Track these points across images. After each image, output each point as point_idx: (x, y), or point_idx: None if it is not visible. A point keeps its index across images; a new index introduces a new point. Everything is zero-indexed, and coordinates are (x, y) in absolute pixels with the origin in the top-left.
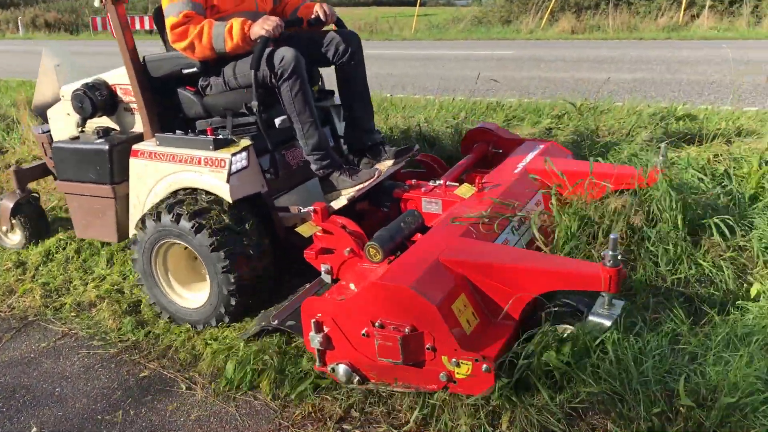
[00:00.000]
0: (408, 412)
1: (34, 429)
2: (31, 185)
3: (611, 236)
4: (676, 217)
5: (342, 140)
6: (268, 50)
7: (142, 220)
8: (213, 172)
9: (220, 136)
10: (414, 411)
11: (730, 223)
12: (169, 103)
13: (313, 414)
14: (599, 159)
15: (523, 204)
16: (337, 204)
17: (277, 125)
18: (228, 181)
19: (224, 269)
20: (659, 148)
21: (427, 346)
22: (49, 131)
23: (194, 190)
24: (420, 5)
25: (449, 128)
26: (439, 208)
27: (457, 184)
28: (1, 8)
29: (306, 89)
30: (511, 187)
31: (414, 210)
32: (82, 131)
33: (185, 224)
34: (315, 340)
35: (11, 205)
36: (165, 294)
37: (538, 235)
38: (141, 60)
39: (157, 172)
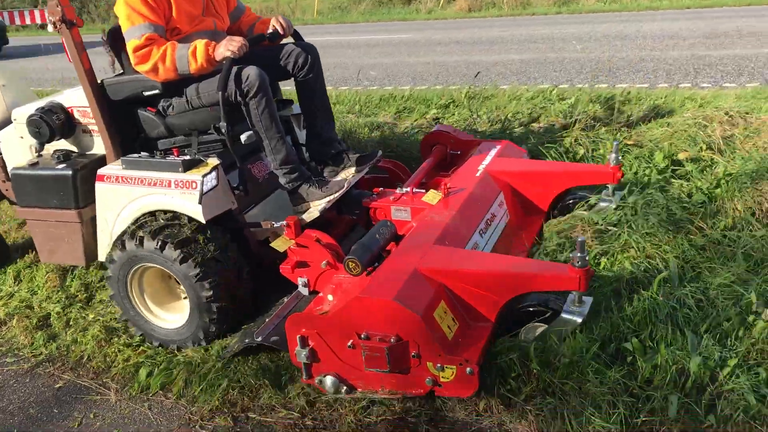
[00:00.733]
0: (297, 398)
1: None
2: None
3: (578, 239)
4: None
5: (304, 149)
6: (233, 70)
7: (122, 242)
8: (184, 194)
9: (187, 157)
10: (303, 398)
11: None
12: (128, 124)
13: (220, 407)
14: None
15: (487, 207)
16: (309, 217)
17: (243, 141)
18: (200, 202)
19: (208, 299)
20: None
21: (413, 353)
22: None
23: (173, 213)
24: None
25: (363, 127)
26: (408, 215)
27: (423, 191)
28: None
29: (272, 106)
30: (474, 190)
31: (386, 221)
32: (40, 155)
33: (170, 253)
34: (301, 354)
35: None
36: (140, 314)
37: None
38: (100, 82)
39: (125, 196)
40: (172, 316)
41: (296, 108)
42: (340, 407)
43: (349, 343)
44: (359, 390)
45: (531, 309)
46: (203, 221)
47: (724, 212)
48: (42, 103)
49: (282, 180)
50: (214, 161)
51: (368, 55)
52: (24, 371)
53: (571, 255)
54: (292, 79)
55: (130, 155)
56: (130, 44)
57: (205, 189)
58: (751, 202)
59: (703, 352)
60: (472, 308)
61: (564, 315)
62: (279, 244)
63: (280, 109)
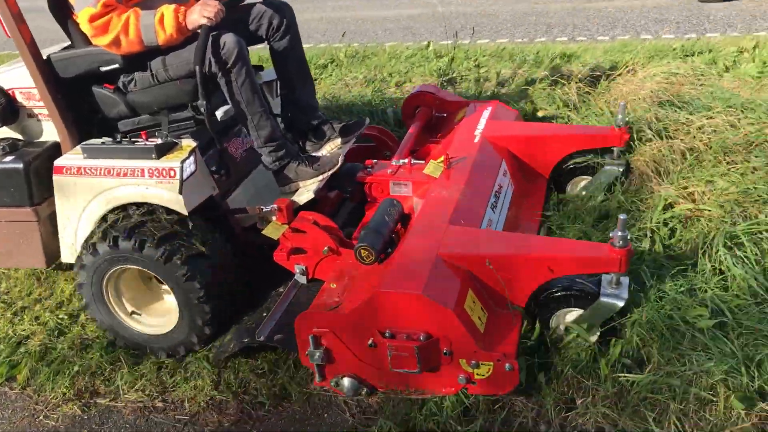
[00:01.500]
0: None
1: None
2: None
3: (621, 217)
4: None
5: (279, 119)
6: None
7: (92, 245)
8: (161, 183)
9: (159, 140)
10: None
11: None
12: (82, 105)
13: (68, 395)
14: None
15: (494, 178)
16: (302, 198)
17: (219, 118)
18: (181, 191)
19: (200, 300)
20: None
21: (444, 350)
22: None
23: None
24: None
25: None
26: (410, 190)
27: (422, 161)
28: None
29: (253, 76)
30: (477, 159)
31: (392, 199)
32: None
33: (151, 252)
34: (315, 355)
35: None
36: (122, 322)
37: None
38: (46, 57)
39: (90, 190)
40: (157, 320)
41: (266, 75)
42: (193, 389)
43: (369, 342)
44: (381, 391)
45: (558, 294)
46: (185, 213)
47: None
48: None
49: (267, 159)
50: (189, 143)
51: None
52: None
53: (611, 234)
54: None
55: (90, 141)
56: (84, 13)
57: (185, 176)
58: None
59: None
60: (499, 295)
61: (603, 299)
62: (271, 231)
63: None
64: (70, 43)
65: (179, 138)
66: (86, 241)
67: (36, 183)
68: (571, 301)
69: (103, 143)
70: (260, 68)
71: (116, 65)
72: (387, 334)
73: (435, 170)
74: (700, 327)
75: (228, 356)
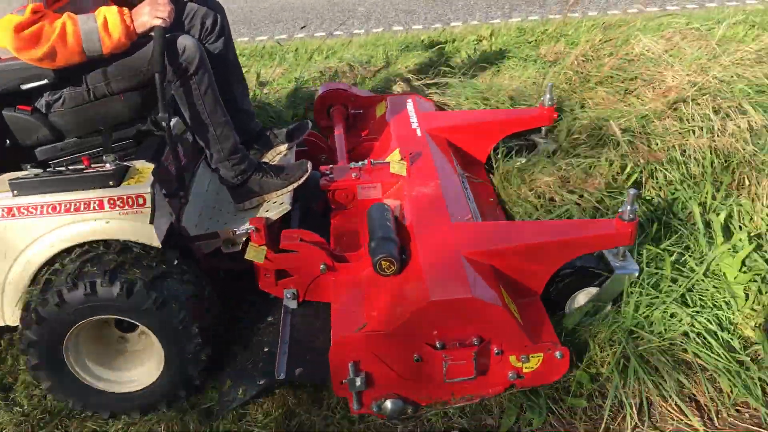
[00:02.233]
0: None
1: None
2: None
3: (631, 191)
4: None
5: None
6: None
7: (57, 293)
8: (127, 214)
9: (108, 165)
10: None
11: None
12: None
13: None
14: None
15: (454, 168)
16: (276, 213)
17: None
18: (152, 221)
19: (197, 346)
20: None
21: (495, 351)
22: None
23: (101, 242)
24: None
25: None
26: (379, 192)
27: (385, 161)
28: None
29: (214, 84)
30: (432, 153)
31: (380, 203)
32: None
33: (141, 298)
34: (356, 383)
35: None
36: (86, 384)
37: None
38: None
39: (27, 233)
40: (128, 375)
41: None
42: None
43: (415, 357)
44: (425, 405)
45: (573, 276)
46: (158, 245)
47: None
48: None
49: (228, 174)
50: (145, 165)
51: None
52: None
53: (621, 209)
54: None
55: (15, 175)
56: (8, 22)
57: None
58: None
59: None
60: (519, 285)
61: (619, 272)
62: (254, 255)
63: None
64: None
65: (123, 160)
66: (43, 291)
67: None
68: (588, 281)
69: (36, 175)
70: None
71: (45, 81)
72: (438, 346)
73: (401, 169)
74: None
75: (242, 404)
